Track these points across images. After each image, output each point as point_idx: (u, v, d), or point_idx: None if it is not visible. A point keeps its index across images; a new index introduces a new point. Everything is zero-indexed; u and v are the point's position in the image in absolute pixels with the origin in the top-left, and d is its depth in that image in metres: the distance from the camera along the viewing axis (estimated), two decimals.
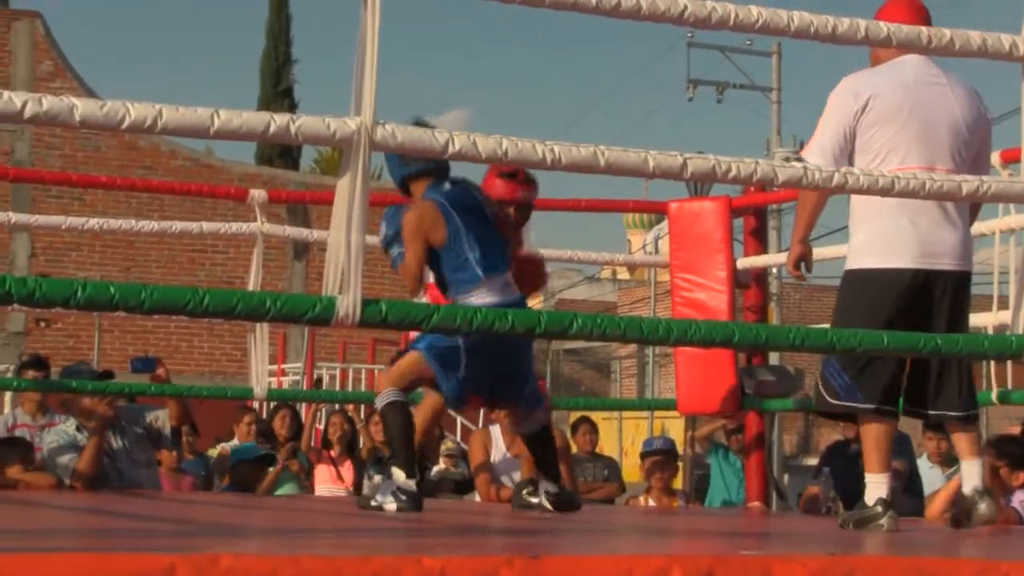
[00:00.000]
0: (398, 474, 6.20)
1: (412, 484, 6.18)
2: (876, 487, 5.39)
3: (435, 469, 10.14)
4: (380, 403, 6.38)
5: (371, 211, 3.75)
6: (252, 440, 10.60)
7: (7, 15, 23.45)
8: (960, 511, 5.45)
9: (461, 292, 6.37)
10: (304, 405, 11.56)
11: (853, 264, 5.57)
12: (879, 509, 5.30)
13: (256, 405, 11.04)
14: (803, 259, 5.78)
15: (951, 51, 4.18)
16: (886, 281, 5.42)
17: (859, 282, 5.52)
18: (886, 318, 5.33)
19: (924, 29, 4.17)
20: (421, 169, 6.44)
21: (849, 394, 5.50)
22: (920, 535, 5.43)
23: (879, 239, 5.46)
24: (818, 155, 5.44)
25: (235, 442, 10.94)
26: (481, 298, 6.31)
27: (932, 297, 5.44)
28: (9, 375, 11.11)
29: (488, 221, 6.50)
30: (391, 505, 6.10)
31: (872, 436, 5.48)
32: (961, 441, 5.59)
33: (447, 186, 6.45)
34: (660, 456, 10.19)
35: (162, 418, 8.47)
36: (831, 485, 8.46)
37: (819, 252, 8.50)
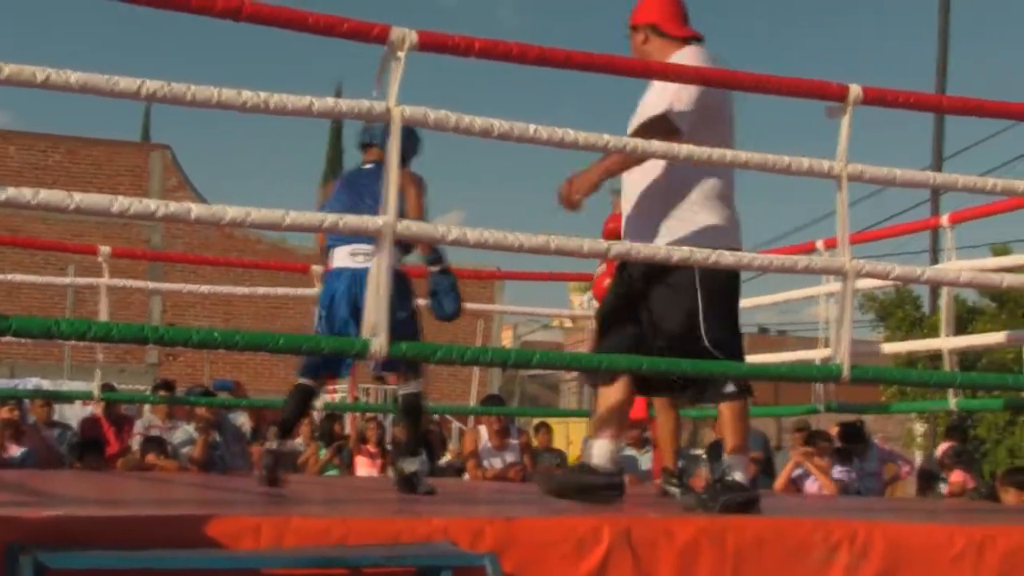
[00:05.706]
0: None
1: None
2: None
3: (445, 459, 10.07)
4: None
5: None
6: (310, 438, 10.33)
7: (147, 147, 23.77)
8: None
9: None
10: (349, 413, 11.42)
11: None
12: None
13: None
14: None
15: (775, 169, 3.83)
16: None
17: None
18: None
19: (743, 154, 3.76)
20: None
21: None
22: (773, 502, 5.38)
23: None
24: None
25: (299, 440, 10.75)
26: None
27: None
28: (147, 393, 11.05)
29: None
30: None
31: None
32: None
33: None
34: None
35: (244, 424, 8.82)
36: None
37: None
